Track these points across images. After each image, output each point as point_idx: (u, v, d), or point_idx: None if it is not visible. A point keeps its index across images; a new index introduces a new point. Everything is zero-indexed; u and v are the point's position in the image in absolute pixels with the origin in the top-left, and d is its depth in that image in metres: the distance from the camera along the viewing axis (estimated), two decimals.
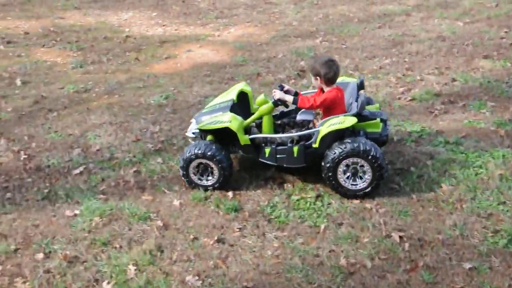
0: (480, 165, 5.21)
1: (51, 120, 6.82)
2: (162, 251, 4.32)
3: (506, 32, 9.23)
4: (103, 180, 5.39)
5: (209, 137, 5.17)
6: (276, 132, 5.23)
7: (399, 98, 6.99)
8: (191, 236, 4.49)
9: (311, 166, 4.96)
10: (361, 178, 4.77)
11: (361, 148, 4.61)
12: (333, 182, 4.81)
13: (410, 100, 6.91)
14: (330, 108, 4.88)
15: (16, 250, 4.39)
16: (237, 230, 4.57)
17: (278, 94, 4.98)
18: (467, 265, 3.95)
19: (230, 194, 5.05)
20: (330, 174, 4.76)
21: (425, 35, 9.49)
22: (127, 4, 13.22)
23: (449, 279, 3.85)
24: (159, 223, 4.67)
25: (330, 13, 11.58)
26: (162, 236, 4.51)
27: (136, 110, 6.98)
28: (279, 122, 5.40)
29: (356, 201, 4.83)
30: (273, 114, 5.41)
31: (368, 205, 4.76)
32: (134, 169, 5.57)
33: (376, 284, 3.88)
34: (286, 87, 5.16)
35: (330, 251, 4.24)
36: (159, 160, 5.71)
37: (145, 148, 5.96)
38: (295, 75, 8.01)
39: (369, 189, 4.77)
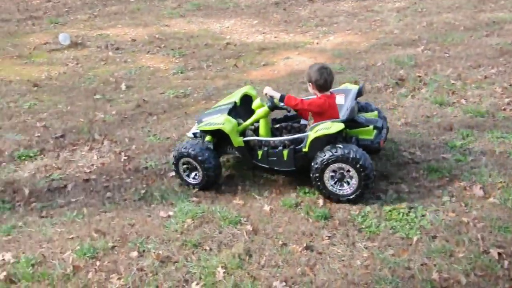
0: None
1: (151, 123, 7.08)
2: (250, 256, 4.35)
3: None
4: None
5: (207, 138, 5.36)
6: (274, 135, 5.39)
7: (504, 109, 6.64)
8: (280, 242, 4.49)
9: (303, 171, 5.04)
10: (347, 184, 4.84)
11: (351, 155, 4.67)
12: (319, 183, 4.90)
13: None
14: (320, 113, 5.00)
15: (113, 248, 4.56)
16: (326, 238, 4.51)
17: (267, 89, 5.17)
18: None
19: (320, 201, 5.00)
20: (317, 175, 4.86)
21: None
22: (230, 13, 13.50)
23: None
24: (249, 227, 4.70)
25: (435, 21, 11.23)
26: (251, 240, 4.54)
27: None
28: (277, 126, 5.58)
29: (452, 214, 4.64)
30: (278, 117, 5.71)
31: (464, 219, 4.55)
32: (227, 173, 5.65)
33: None
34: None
35: (422, 264, 4.09)
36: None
37: None
38: (393, 84, 7.82)
39: (353, 196, 4.85)
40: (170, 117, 7.26)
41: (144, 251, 4.49)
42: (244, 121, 5.32)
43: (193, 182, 5.35)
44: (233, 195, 5.26)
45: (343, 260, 4.24)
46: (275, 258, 4.31)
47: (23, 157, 6.22)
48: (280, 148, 5.08)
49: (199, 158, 5.16)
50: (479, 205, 4.71)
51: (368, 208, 4.85)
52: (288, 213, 4.91)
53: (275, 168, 5.17)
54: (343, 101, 5.24)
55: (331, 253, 4.33)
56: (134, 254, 4.44)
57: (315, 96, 5.15)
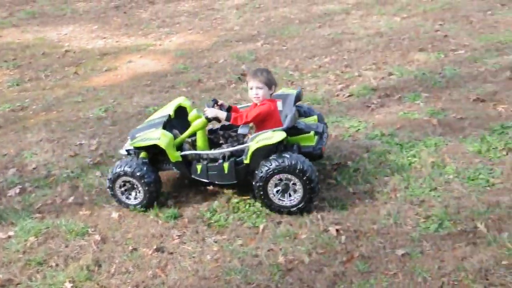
0: (413, 154, 5.31)
1: None
2: (100, 265, 4.26)
3: (440, 25, 9.42)
4: (39, 199, 5.26)
5: (142, 154, 5.02)
6: (211, 147, 5.08)
7: (338, 95, 7.06)
8: (130, 248, 4.45)
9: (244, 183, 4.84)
10: (290, 195, 4.62)
11: (287, 164, 4.46)
12: (262, 192, 4.63)
13: (348, 96, 6.99)
14: (264, 121, 4.74)
15: None
16: (176, 237, 4.54)
17: (210, 112, 4.78)
18: (400, 252, 4.02)
19: (170, 202, 5.02)
20: (261, 184, 4.59)
21: (363, 32, 9.61)
22: (67, 19, 13.03)
23: (383, 267, 3.91)
24: (97, 237, 4.60)
25: (272, 15, 11.64)
26: (100, 250, 4.45)
27: (74, 125, 6.88)
28: (212, 136, 5.23)
29: None
30: (215, 128, 5.35)
31: None
32: (72, 184, 5.48)
33: (313, 278, 3.89)
34: (220, 101, 5.02)
35: (268, 250, 4.25)
36: (98, 173, 5.64)
37: (83, 163, 5.88)
38: (236, 79, 8.02)
39: (302, 204, 4.59)
40: (6, 132, 6.85)
41: None
42: (181, 134, 5.05)
43: (134, 203, 4.98)
44: (79, 206, 5.11)
45: (193, 257, 4.29)
46: (126, 264, 4.26)
47: None
48: (220, 161, 4.82)
49: (138, 174, 4.82)
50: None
51: (216, 203, 4.93)
52: (137, 217, 4.87)
53: (216, 182, 4.90)
54: (281, 106, 5.01)
55: (181, 252, 4.36)
56: None
57: (249, 104, 5.03)
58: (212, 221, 4.72)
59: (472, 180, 4.83)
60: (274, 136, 4.50)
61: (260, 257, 4.18)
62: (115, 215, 4.90)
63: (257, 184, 4.62)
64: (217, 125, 5.32)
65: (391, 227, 4.33)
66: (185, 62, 9.13)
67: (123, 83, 8.44)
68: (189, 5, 13.51)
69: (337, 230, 4.35)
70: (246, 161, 4.67)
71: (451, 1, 10.80)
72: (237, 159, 4.76)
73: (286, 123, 4.70)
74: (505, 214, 4.29)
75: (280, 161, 4.48)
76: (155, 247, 4.41)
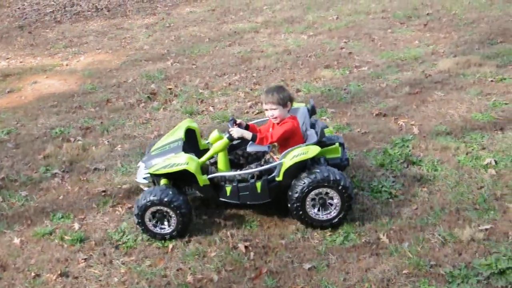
0: None
1: None
2: None
3: (345, 42, 9.76)
4: None
5: (163, 181, 4.74)
6: (231, 166, 4.88)
7: (247, 112, 7.13)
8: (33, 274, 4.28)
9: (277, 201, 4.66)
10: (328, 208, 4.52)
11: (319, 177, 4.38)
12: (301, 212, 4.48)
13: (258, 113, 7.07)
14: (288, 139, 4.62)
15: None
16: (82, 260, 4.42)
17: (236, 132, 4.59)
18: (307, 265, 4.10)
19: (76, 225, 4.88)
20: (298, 204, 4.45)
21: (272, 50, 9.79)
22: None
23: (291, 281, 3.97)
24: None
25: (182, 34, 11.65)
26: None
27: None
28: (231, 156, 5.00)
29: (205, 217, 4.85)
30: None
31: (216, 220, 4.79)
32: None
33: None
34: (238, 120, 4.82)
35: (177, 270, 4.21)
36: None
37: None
38: (146, 98, 7.93)
39: (336, 219, 4.51)
40: None
41: None
42: (197, 157, 4.77)
43: (169, 231, 4.60)
44: None
45: (100, 280, 4.19)
46: None
47: None
48: (252, 181, 4.61)
49: (165, 199, 4.46)
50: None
51: (124, 224, 4.85)
52: (41, 242, 4.70)
53: (248, 202, 4.67)
54: None
55: (87, 276, 4.25)
56: None
57: (266, 119, 4.90)
58: (120, 243, 4.62)
59: (376, 192, 5.00)
60: (309, 150, 4.41)
61: (168, 277, 4.13)
62: (16, 240, 4.71)
63: (295, 205, 4.48)
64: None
65: (299, 241, 4.41)
66: (93, 82, 8.94)
67: (27, 104, 8.15)
68: (98, 24, 13.31)
69: (246, 247, 4.37)
70: (279, 178, 4.53)
71: (354, 19, 11.23)
72: (268, 177, 4.61)
73: (316, 136, 4.66)
74: (406, 225, 4.48)
75: (312, 176, 4.40)
76: (59, 272, 4.27)
